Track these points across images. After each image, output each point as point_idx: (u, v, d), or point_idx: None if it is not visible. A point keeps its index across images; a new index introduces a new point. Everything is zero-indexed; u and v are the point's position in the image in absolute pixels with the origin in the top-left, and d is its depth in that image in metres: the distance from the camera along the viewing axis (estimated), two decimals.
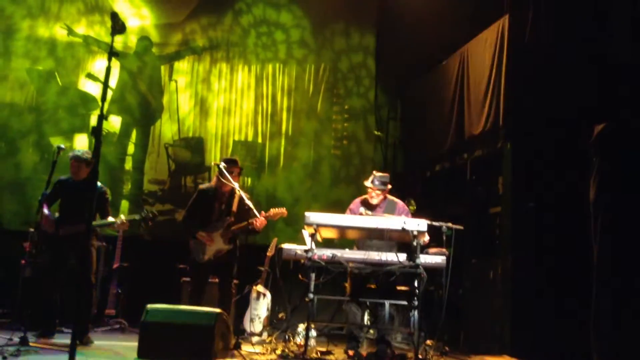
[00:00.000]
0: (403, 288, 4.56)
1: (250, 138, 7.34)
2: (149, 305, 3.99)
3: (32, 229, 4.94)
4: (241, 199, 4.64)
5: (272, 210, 4.81)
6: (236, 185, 4.72)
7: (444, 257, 4.31)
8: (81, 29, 7.03)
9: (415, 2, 6.83)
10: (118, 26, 3.03)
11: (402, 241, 4.47)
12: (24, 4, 6.98)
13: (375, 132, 7.57)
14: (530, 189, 4.98)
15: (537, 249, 4.81)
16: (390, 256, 4.19)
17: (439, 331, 4.69)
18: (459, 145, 6.05)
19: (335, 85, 7.60)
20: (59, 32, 6.99)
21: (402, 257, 4.16)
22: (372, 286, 4.50)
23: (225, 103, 7.35)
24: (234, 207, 4.79)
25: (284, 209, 4.89)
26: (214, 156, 7.12)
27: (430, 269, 4.21)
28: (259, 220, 4.65)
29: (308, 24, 7.59)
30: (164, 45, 7.24)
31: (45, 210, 4.69)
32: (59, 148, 4.79)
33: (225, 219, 4.78)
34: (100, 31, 6.98)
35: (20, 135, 6.76)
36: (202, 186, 5.05)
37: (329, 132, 7.52)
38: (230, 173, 4.74)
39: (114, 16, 3.00)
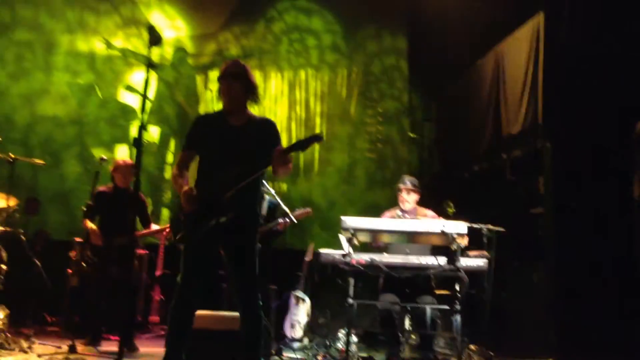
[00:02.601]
0: (442, 292, 4.54)
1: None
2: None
3: (78, 239, 5.06)
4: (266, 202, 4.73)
5: (297, 211, 4.87)
6: (272, 192, 4.79)
7: (485, 260, 4.26)
8: (118, 42, 7.20)
9: (446, 2, 6.79)
10: (155, 38, 3.10)
11: (437, 244, 4.44)
12: (63, 19, 7.18)
13: (410, 134, 7.53)
14: (571, 189, 4.88)
15: (581, 249, 4.71)
16: (429, 260, 4.16)
17: (482, 335, 4.63)
18: (496, 146, 5.98)
19: (368, 89, 7.59)
20: (98, 46, 7.17)
21: (442, 260, 4.13)
22: (410, 290, 4.50)
23: (259, 110, 7.40)
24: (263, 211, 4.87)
25: (309, 209, 4.97)
26: None
27: (471, 272, 4.17)
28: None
29: (339, 29, 7.61)
30: (199, 56, 7.36)
31: (90, 225, 4.82)
32: (102, 159, 4.94)
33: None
34: (137, 44, 7.13)
35: (64, 147, 6.95)
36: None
37: (363, 135, 7.51)
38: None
39: (151, 29, 3.06)
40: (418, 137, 7.56)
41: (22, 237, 5.15)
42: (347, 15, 7.58)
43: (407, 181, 4.85)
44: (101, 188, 4.94)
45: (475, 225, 4.27)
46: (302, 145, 3.24)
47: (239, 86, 3.37)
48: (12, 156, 4.89)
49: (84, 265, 4.72)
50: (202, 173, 3.38)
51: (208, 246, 3.29)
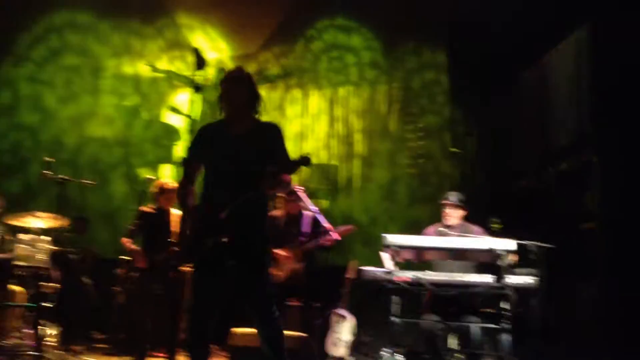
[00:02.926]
0: (488, 310, 4.44)
1: (324, 161, 7.41)
2: (235, 329, 4.08)
3: (124, 257, 5.17)
4: (313, 221, 4.74)
5: (340, 228, 4.86)
6: (312, 208, 4.82)
7: (534, 277, 4.14)
8: (163, 64, 7.39)
9: (487, 15, 6.71)
10: (200, 62, 3.18)
11: (483, 262, 4.36)
12: (110, 44, 7.42)
13: (452, 149, 7.44)
14: (622, 203, 4.73)
15: (633, 265, 4.54)
16: (475, 277, 4.08)
17: (531, 355, 4.49)
18: (543, 160, 5.85)
19: (408, 104, 7.55)
20: (142, 69, 7.37)
21: (488, 278, 4.04)
22: (454, 309, 4.41)
23: (300, 128, 7.46)
24: (305, 227, 4.88)
25: (352, 225, 4.97)
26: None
27: (520, 290, 4.06)
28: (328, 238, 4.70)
29: (378, 45, 7.62)
30: None
31: (131, 245, 4.92)
32: (147, 179, 5.06)
33: (297, 239, 4.88)
34: (181, 66, 7.30)
35: (111, 168, 7.14)
36: (271, 213, 5.20)
37: (403, 151, 7.46)
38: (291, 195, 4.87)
39: (197, 53, 3.14)
40: (460, 151, 7.44)
41: (72, 256, 5.29)
42: (386, 31, 7.59)
43: (452, 197, 4.77)
44: (145, 208, 5.04)
45: (522, 242, 4.17)
46: (288, 168, 3.06)
47: (240, 92, 3.22)
48: (63, 177, 5.04)
49: (130, 283, 4.81)
50: (206, 187, 3.23)
51: (214, 267, 3.09)
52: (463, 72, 7.33)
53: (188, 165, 3.30)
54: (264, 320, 3.13)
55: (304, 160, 3.01)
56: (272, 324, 3.12)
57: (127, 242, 4.94)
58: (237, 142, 3.16)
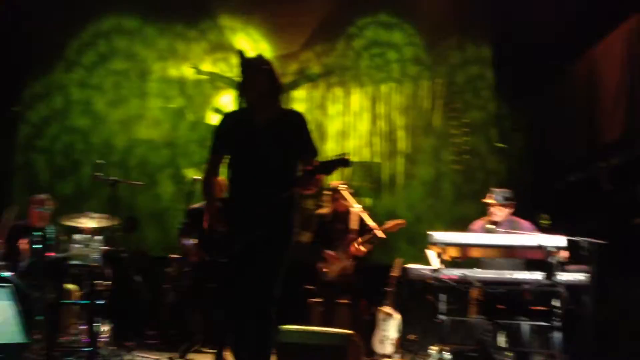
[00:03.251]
0: (538, 308, 4.36)
1: (367, 159, 7.39)
2: (282, 326, 4.12)
3: (174, 255, 5.27)
4: (360, 219, 4.77)
5: (390, 222, 4.86)
6: (356, 206, 4.84)
7: (585, 274, 4.04)
8: (207, 66, 7.52)
9: (532, 8, 6.57)
10: (245, 62, 3.18)
11: (533, 259, 4.27)
12: (155, 48, 7.60)
13: (498, 145, 7.31)
14: None
15: None
16: (524, 275, 4.01)
17: (583, 353, 4.38)
18: (592, 154, 5.69)
19: (453, 100, 7.45)
20: (187, 72, 7.52)
21: (538, 275, 3.96)
22: (502, 307, 4.34)
23: (341, 126, 7.46)
24: (354, 225, 4.90)
25: (403, 220, 4.95)
26: (333, 179, 7.25)
27: (571, 287, 3.97)
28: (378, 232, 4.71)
29: (421, 41, 7.54)
30: (282, 76, 7.44)
31: (186, 242, 5.03)
32: (194, 179, 5.16)
33: (346, 236, 4.90)
34: (224, 67, 7.41)
35: (158, 169, 7.32)
36: (319, 210, 5.24)
37: (448, 147, 7.36)
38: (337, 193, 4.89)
39: (241, 54, 3.16)
40: (507, 147, 7.30)
41: (123, 255, 5.44)
42: (428, 27, 7.51)
43: (497, 195, 4.67)
44: (195, 205, 5.15)
45: (573, 238, 4.07)
46: (326, 168, 2.98)
47: (261, 79, 3.14)
48: (113, 178, 5.19)
49: (181, 280, 4.92)
50: (232, 178, 3.16)
51: (241, 265, 3.04)
52: (508, 66, 7.18)
53: (214, 155, 3.25)
54: (259, 310, 3.03)
55: (343, 161, 2.95)
56: (265, 318, 3.03)
57: (182, 239, 5.07)
58: (261, 130, 3.10)
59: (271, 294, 3.06)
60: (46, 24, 7.47)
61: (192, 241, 4.99)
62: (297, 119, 3.24)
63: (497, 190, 4.78)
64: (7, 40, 6.88)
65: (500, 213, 4.66)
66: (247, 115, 3.18)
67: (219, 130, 3.26)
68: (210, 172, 3.24)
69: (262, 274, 3.04)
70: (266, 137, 3.09)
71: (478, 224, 4.80)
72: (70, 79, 7.51)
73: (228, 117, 3.32)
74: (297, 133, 3.15)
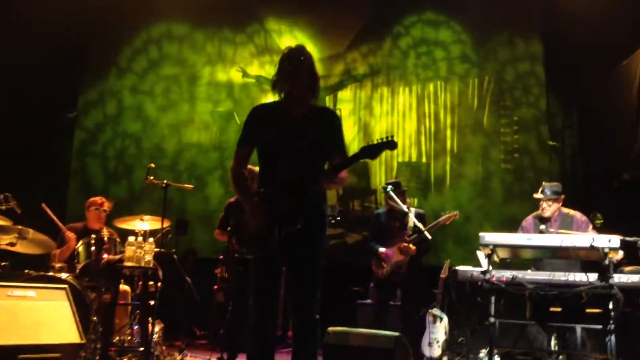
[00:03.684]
0: (594, 310, 4.21)
1: (414, 158, 7.32)
2: (330, 328, 4.13)
3: (221, 257, 5.36)
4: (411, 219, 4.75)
5: (444, 215, 4.82)
6: (405, 207, 4.81)
7: None
8: (253, 70, 7.62)
9: (584, 2, 6.36)
10: (286, 54, 3.13)
11: (586, 259, 4.13)
12: (204, 53, 7.75)
13: (550, 143, 7.10)
14: None
15: None
16: (578, 276, 3.88)
17: (638, 357, 4.22)
18: None
19: (502, 97, 7.30)
20: (235, 75, 7.63)
21: (592, 276, 3.83)
22: (557, 309, 4.22)
23: (388, 126, 7.42)
24: (410, 223, 4.89)
25: (456, 211, 4.91)
26: (380, 179, 7.21)
27: (627, 289, 3.82)
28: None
29: (468, 38, 7.43)
30: (328, 77, 7.55)
31: (223, 234, 5.13)
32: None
33: (403, 233, 4.90)
34: (271, 70, 7.48)
35: (207, 172, 7.46)
36: (377, 210, 5.25)
37: (497, 146, 7.22)
38: (398, 195, 4.87)
39: (290, 61, 3.09)
40: (559, 145, 7.09)
41: (175, 256, 5.56)
42: (476, 24, 7.38)
43: (547, 190, 4.57)
44: (232, 199, 5.22)
45: (628, 238, 3.91)
46: (371, 151, 2.88)
47: (304, 73, 3.04)
48: (165, 182, 5.32)
49: (228, 279, 4.98)
50: (264, 172, 3.11)
51: (277, 259, 3.00)
52: (559, 62, 6.98)
53: (242, 147, 3.16)
54: (303, 313, 2.99)
55: (388, 143, 2.86)
56: (310, 317, 2.99)
57: (217, 232, 5.16)
58: (296, 123, 3.03)
59: (314, 294, 3.02)
60: (100, 33, 7.73)
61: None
62: (332, 117, 3.22)
63: (546, 184, 4.68)
64: (63, 50, 7.14)
65: (550, 208, 4.55)
66: (281, 108, 3.13)
67: (249, 122, 3.17)
68: (239, 165, 3.14)
69: (303, 277, 3.02)
70: (300, 129, 3.04)
71: (529, 220, 4.69)
72: (122, 85, 7.75)
73: (259, 109, 3.26)
74: (330, 131, 3.11)
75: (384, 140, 2.85)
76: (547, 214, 4.55)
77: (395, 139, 2.87)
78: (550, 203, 4.55)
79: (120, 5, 7.64)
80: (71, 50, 7.42)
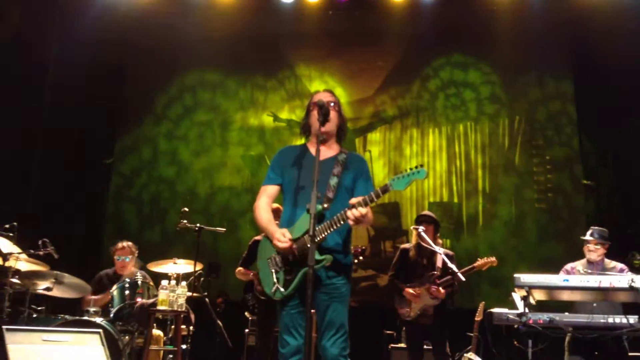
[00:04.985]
0: (638, 354, 4.06)
1: (445, 199, 7.27)
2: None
3: (246, 295, 5.34)
4: (443, 260, 4.65)
5: (480, 261, 4.73)
6: (437, 248, 4.72)
7: None
8: (284, 114, 7.76)
9: (614, 40, 6.35)
10: (325, 114, 3.15)
11: (628, 302, 4.00)
12: (236, 99, 7.94)
13: (584, 182, 6.98)
14: None
15: None
16: (617, 318, 3.75)
17: None
18: None
19: (533, 137, 7.26)
20: (266, 120, 7.78)
21: (633, 319, 3.70)
22: (598, 353, 4.09)
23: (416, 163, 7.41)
24: (439, 263, 4.79)
25: (494, 257, 4.81)
26: (411, 220, 7.16)
27: None
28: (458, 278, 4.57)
29: (497, 79, 7.46)
30: (357, 120, 7.63)
31: (245, 271, 5.14)
32: None
33: (431, 273, 4.79)
34: (301, 114, 7.57)
35: (239, 214, 7.53)
36: (403, 245, 5.17)
37: (530, 185, 7.14)
38: (426, 230, 4.79)
39: (321, 107, 3.11)
40: (594, 184, 6.97)
41: (206, 300, 5.58)
42: (505, 64, 7.42)
43: (596, 233, 4.54)
44: (257, 237, 5.23)
45: None
46: (400, 183, 2.87)
47: (335, 116, 3.11)
48: (198, 225, 5.38)
49: (253, 315, 4.92)
50: (288, 211, 3.09)
51: (300, 299, 2.94)
52: (591, 100, 6.92)
53: (266, 185, 3.19)
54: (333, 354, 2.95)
55: (419, 172, 2.84)
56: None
57: (239, 270, 5.17)
58: (322, 166, 2.94)
59: (344, 338, 3.01)
60: (136, 82, 8.00)
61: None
62: (361, 163, 3.22)
63: (595, 228, 4.65)
64: (100, 99, 7.39)
65: (597, 251, 4.50)
66: (307, 150, 3.18)
67: (276, 162, 3.22)
68: (262, 200, 3.16)
69: (331, 320, 3.00)
70: (328, 171, 3.04)
71: (569, 265, 4.61)
72: (158, 131, 7.96)
73: (286, 151, 3.29)
74: (359, 175, 3.12)
75: (413, 170, 2.85)
76: (593, 256, 4.51)
77: (427, 180, 2.86)
78: (598, 247, 4.51)
79: (156, 55, 7.92)
80: (109, 100, 7.69)
